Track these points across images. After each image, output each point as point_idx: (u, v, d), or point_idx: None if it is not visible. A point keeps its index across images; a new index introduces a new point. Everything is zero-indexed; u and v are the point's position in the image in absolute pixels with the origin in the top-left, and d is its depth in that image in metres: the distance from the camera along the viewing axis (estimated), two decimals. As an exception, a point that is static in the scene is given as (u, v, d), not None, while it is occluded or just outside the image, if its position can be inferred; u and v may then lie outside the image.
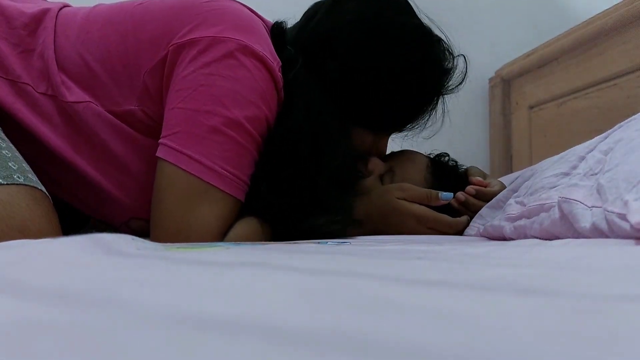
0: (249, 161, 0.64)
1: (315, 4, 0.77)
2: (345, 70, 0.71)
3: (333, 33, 0.72)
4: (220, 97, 0.61)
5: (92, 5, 0.73)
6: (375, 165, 0.83)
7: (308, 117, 0.67)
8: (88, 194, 0.69)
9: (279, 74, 0.66)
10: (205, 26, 0.63)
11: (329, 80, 0.71)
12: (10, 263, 0.27)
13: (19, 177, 0.57)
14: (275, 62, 0.66)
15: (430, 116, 0.78)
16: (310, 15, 0.76)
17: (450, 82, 0.78)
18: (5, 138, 0.62)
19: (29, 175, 0.59)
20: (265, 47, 0.65)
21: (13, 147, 0.61)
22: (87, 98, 0.65)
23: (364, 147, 0.80)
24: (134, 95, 0.65)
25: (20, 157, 0.61)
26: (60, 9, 0.71)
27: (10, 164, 0.58)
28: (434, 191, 0.76)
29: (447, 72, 0.76)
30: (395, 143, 0.89)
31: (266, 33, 0.69)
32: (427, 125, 0.80)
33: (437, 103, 0.78)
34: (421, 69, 0.73)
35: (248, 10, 0.70)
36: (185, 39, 0.63)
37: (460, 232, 0.76)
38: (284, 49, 0.69)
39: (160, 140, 0.63)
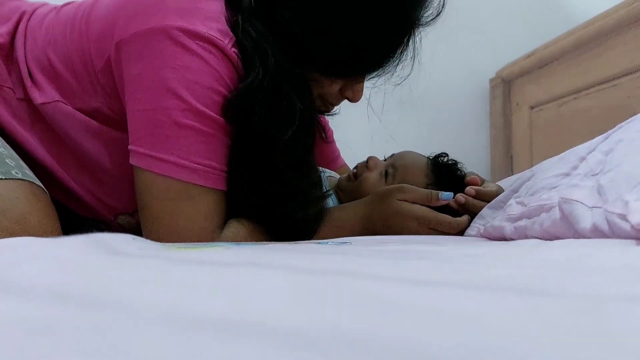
0: (219, 148, 0.62)
1: None
2: (300, 14, 0.65)
3: None
4: (174, 89, 0.59)
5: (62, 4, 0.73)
6: (375, 162, 0.83)
7: (265, 75, 0.63)
8: (69, 197, 0.70)
9: (232, 50, 0.62)
10: (145, 16, 0.61)
11: (285, 28, 0.65)
12: (10, 263, 0.27)
13: (16, 173, 0.58)
14: (226, 38, 0.62)
15: (401, 57, 0.70)
16: None
17: (422, 14, 0.69)
18: (0, 138, 0.63)
19: (26, 172, 0.60)
20: (212, 26, 0.61)
21: (9, 146, 0.62)
22: (57, 97, 0.65)
23: (334, 92, 0.74)
24: (96, 94, 0.65)
25: (17, 156, 0.62)
26: (35, 10, 0.71)
27: (7, 161, 0.59)
28: (434, 191, 0.76)
29: (420, 3, 0.68)
30: (392, 144, 0.89)
31: (211, 7, 0.64)
32: (398, 68, 0.71)
33: (408, 41, 0.70)
34: (385, 4, 0.65)
35: None
36: (126, 35, 0.61)
37: (461, 232, 0.76)
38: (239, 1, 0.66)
39: (129, 147, 0.62)
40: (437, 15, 0.69)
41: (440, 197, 0.75)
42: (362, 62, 0.70)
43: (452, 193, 0.76)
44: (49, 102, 0.65)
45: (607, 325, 0.17)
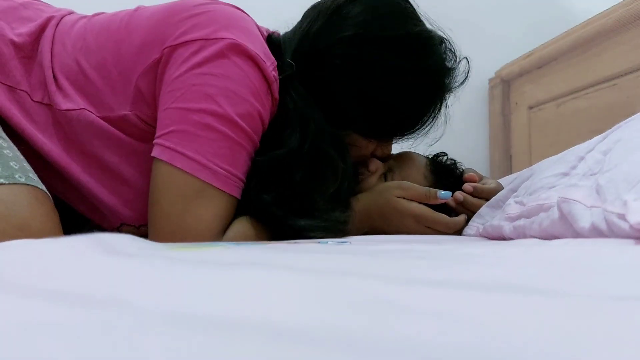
0: (243, 158, 0.64)
1: (314, 8, 0.76)
2: (345, 81, 0.71)
3: (333, 46, 0.71)
4: (212, 95, 0.61)
5: (92, 13, 0.74)
6: (376, 165, 0.83)
7: (306, 137, 0.68)
8: (80, 199, 0.70)
9: (273, 74, 0.66)
10: (197, 28, 0.64)
11: (328, 92, 0.71)
12: (11, 263, 0.27)
13: (20, 177, 0.57)
14: (269, 61, 0.66)
15: (433, 121, 0.78)
16: (310, 20, 0.74)
17: (452, 82, 0.78)
18: (7, 138, 0.62)
19: (30, 175, 0.59)
20: (258, 46, 0.65)
21: (14, 147, 0.62)
22: (82, 104, 0.65)
23: (367, 153, 0.81)
24: (128, 101, 0.65)
25: (22, 157, 0.61)
26: (63, 16, 0.71)
27: (11, 164, 0.58)
28: (432, 189, 0.76)
29: (448, 72, 0.76)
30: (395, 145, 0.89)
31: (259, 33, 0.69)
32: (429, 131, 0.79)
33: (440, 107, 0.78)
34: (422, 73, 0.73)
35: (240, 11, 0.70)
36: (178, 42, 0.63)
37: (458, 231, 0.76)
38: (281, 58, 0.69)
39: (154, 141, 0.63)
40: (464, 80, 0.79)
41: (439, 195, 0.75)
42: (400, 125, 0.77)
43: (450, 192, 0.76)
44: (74, 110, 0.65)
45: (605, 325, 0.17)
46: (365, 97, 0.72)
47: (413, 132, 0.78)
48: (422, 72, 0.73)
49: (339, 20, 0.72)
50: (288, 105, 0.68)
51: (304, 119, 0.68)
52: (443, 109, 0.78)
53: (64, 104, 0.65)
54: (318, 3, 0.76)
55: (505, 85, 1.52)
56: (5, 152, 0.60)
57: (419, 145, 0.82)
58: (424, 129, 0.78)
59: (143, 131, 0.66)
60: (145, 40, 0.65)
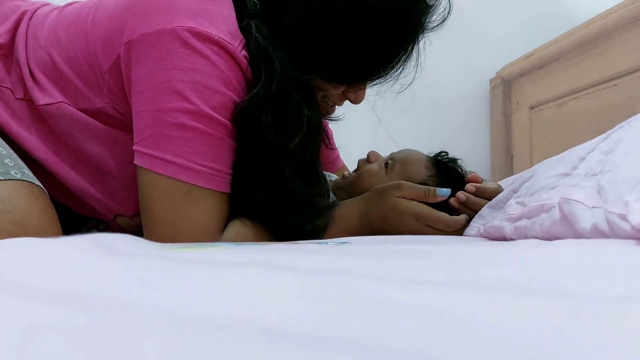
0: (225, 151, 0.63)
1: None
2: (305, 21, 0.65)
3: None
4: (181, 91, 0.59)
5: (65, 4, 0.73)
6: (376, 156, 0.83)
7: (270, 84, 0.63)
8: (69, 197, 0.70)
9: (241, 54, 0.62)
10: (154, 16, 0.60)
11: (291, 34, 0.66)
12: (11, 263, 0.27)
13: (16, 173, 0.58)
14: (236, 41, 0.62)
15: (404, 64, 0.71)
16: None
17: (427, 20, 0.70)
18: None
19: (26, 172, 0.59)
20: (223, 28, 0.61)
21: (7, 146, 0.62)
22: (60, 98, 0.65)
23: (337, 97, 0.75)
24: (102, 94, 0.65)
25: (16, 155, 0.62)
26: (37, 9, 0.71)
27: (6, 161, 0.59)
28: (432, 188, 0.76)
29: (424, 11, 0.68)
30: (391, 144, 0.89)
31: (221, 9, 0.64)
32: (401, 76, 0.72)
33: (412, 47, 0.70)
34: (391, 9, 0.66)
35: None
36: (136, 35, 0.60)
37: (459, 231, 0.76)
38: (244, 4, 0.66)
39: (133, 147, 0.62)
40: (442, 22, 0.70)
41: (438, 193, 0.75)
42: (367, 69, 0.70)
43: (449, 190, 0.76)
44: (52, 103, 0.65)
45: (606, 326, 0.17)
46: (327, 36, 0.66)
47: (382, 76, 0.72)
48: (390, 6, 0.65)
49: None
50: (252, 48, 0.63)
51: (268, 59, 0.64)
52: (415, 51, 0.71)
53: (42, 99, 0.65)
54: None
55: (506, 86, 1.52)
56: None
57: (386, 92, 0.75)
58: (394, 72, 0.71)
59: (122, 122, 0.65)
60: (107, 34, 0.63)
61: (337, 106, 0.78)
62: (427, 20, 0.69)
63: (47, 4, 0.74)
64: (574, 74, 1.24)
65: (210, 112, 0.60)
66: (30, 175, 0.59)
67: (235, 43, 0.62)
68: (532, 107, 1.42)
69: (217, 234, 0.63)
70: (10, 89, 0.65)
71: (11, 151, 0.62)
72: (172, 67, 0.59)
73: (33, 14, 0.70)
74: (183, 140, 0.59)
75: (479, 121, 1.60)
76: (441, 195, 0.75)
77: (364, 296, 0.21)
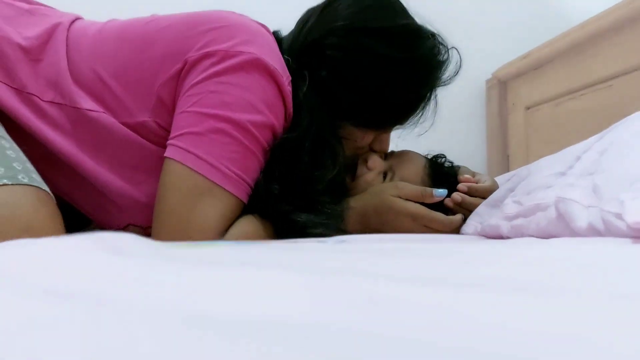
0: (254, 164, 0.66)
1: (308, 10, 0.78)
2: (338, 74, 0.73)
3: (325, 37, 0.73)
4: (228, 103, 0.62)
5: (103, 19, 0.75)
6: (375, 162, 0.83)
7: (310, 127, 0.70)
8: (87, 198, 0.69)
9: (288, 88, 0.68)
10: (218, 41, 0.65)
11: (324, 86, 0.72)
12: (13, 262, 0.27)
13: (23, 178, 0.57)
14: (285, 76, 0.67)
15: (423, 111, 0.80)
16: (303, 21, 0.77)
17: (444, 75, 0.79)
18: (10, 139, 0.62)
19: (33, 176, 0.59)
20: (277, 61, 0.67)
21: (17, 148, 0.62)
22: (101, 109, 0.66)
23: (363, 146, 0.82)
24: (148, 108, 0.66)
25: (24, 158, 0.61)
26: (73, 22, 0.72)
27: (14, 165, 0.58)
28: (428, 188, 0.76)
29: (440, 65, 0.78)
30: (392, 143, 0.90)
31: (277, 48, 0.70)
32: (420, 121, 0.81)
33: (429, 98, 0.80)
34: (412, 64, 0.75)
35: (256, 24, 0.71)
36: (200, 53, 0.64)
37: (455, 230, 0.76)
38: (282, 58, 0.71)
39: (168, 142, 0.64)
40: (455, 74, 0.81)
41: (434, 194, 0.76)
42: (393, 116, 0.79)
43: (446, 190, 0.76)
44: (96, 111, 0.66)
45: (602, 324, 0.17)
46: (357, 86, 0.73)
47: (403, 123, 0.81)
48: (411, 62, 0.74)
49: (329, 13, 0.75)
50: (298, 94, 0.70)
51: (310, 107, 0.70)
52: (433, 101, 0.80)
53: (84, 104, 0.66)
54: (312, 7, 0.79)
55: (502, 86, 1.52)
56: (8, 152, 0.59)
57: (408, 134, 0.84)
58: (414, 118, 0.80)
59: (160, 137, 0.67)
60: (166, 52, 0.66)
61: None
62: (442, 74, 0.79)
63: (80, 18, 0.75)
64: (570, 74, 1.25)
65: (250, 126, 0.63)
66: (37, 180, 0.59)
67: (284, 77, 0.67)
68: (528, 108, 1.42)
69: (221, 234, 0.64)
70: (35, 95, 0.65)
71: (21, 154, 0.61)
72: (224, 82, 0.63)
73: (70, 24, 0.71)
74: (219, 144, 0.62)
75: (475, 122, 1.60)
76: (437, 196, 0.76)
77: (363, 295, 0.21)
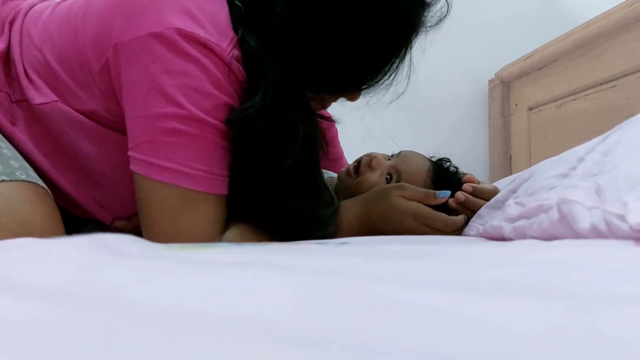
0: (219, 153, 0.62)
1: None
2: (287, 29, 0.62)
3: None
4: (172, 96, 0.58)
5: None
6: (379, 163, 0.83)
7: (267, 88, 0.61)
8: (66, 200, 0.69)
9: (232, 53, 0.60)
10: (142, 16, 0.59)
11: (276, 41, 0.62)
12: (12, 263, 0.27)
13: (21, 174, 0.58)
14: (225, 41, 0.60)
15: (397, 70, 0.66)
16: None
17: (427, 17, 0.64)
18: (4, 139, 0.63)
19: (30, 173, 0.60)
20: (209, 28, 0.59)
21: (13, 148, 0.62)
22: (54, 97, 0.64)
23: (332, 100, 0.73)
24: (95, 96, 0.64)
25: (20, 157, 0.61)
26: (33, 5, 0.70)
27: (11, 162, 0.59)
28: (431, 190, 0.76)
29: (421, 9, 0.63)
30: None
31: (213, 7, 0.62)
32: (394, 83, 0.67)
33: (405, 53, 0.65)
34: (387, 13, 0.60)
35: None
36: (124, 38, 0.59)
37: (458, 231, 0.76)
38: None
39: (128, 152, 0.61)
40: (439, 21, 0.65)
41: (438, 195, 0.76)
42: (359, 78, 0.67)
43: (449, 191, 0.77)
44: (47, 103, 0.64)
45: (604, 326, 0.17)
46: (315, 46, 0.61)
47: (374, 85, 0.68)
48: (386, 6, 0.60)
49: None
50: (247, 50, 0.61)
51: (263, 72, 0.62)
52: (408, 57, 0.66)
53: (37, 98, 0.64)
54: None
55: (505, 87, 1.52)
56: (4, 151, 0.60)
57: (377, 101, 0.71)
58: (387, 79, 0.67)
59: (116, 123, 0.64)
60: (96, 33, 0.61)
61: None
62: (423, 21, 0.64)
63: (44, 0, 0.72)
64: (573, 75, 1.24)
65: (202, 115, 0.59)
66: (35, 177, 0.59)
67: (224, 44, 0.60)
68: (530, 108, 1.42)
69: (216, 237, 0.63)
70: (7, 93, 0.65)
71: (17, 153, 0.62)
72: (161, 71, 0.58)
73: (28, 11, 0.69)
74: (177, 145, 0.59)
75: (477, 122, 1.60)
76: (441, 197, 0.76)
77: (363, 297, 0.21)
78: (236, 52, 0.61)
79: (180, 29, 0.58)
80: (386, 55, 0.65)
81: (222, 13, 0.62)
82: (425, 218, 0.75)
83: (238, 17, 0.62)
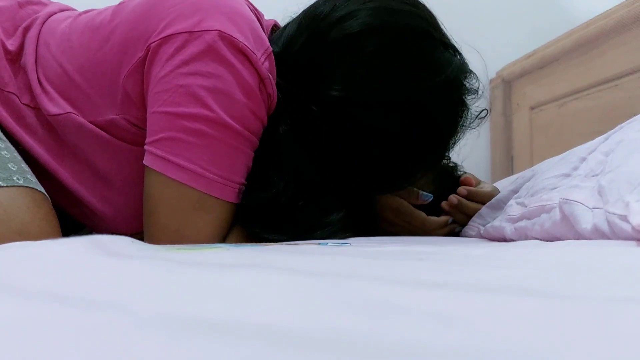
0: (241, 161, 0.61)
1: (312, 8, 0.67)
2: (349, 143, 0.64)
3: (325, 65, 0.63)
4: (202, 97, 0.57)
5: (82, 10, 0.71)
6: None
7: (288, 185, 0.64)
8: (71, 204, 0.68)
9: (265, 64, 0.61)
10: (181, 19, 0.59)
11: (317, 132, 0.64)
12: (10, 265, 0.27)
13: (18, 179, 0.57)
14: (260, 50, 0.60)
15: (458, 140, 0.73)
16: (308, 28, 0.65)
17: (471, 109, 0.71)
18: (5, 139, 0.62)
19: (29, 177, 0.59)
20: (247, 32, 0.59)
21: (12, 148, 0.61)
22: (69, 108, 0.63)
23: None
24: (115, 104, 0.62)
25: (19, 158, 0.61)
26: (52, 14, 0.69)
27: (9, 165, 0.58)
28: (415, 190, 0.76)
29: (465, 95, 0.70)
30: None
31: (249, 13, 0.62)
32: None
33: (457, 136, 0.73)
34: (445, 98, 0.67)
35: None
36: (162, 36, 0.58)
37: (440, 233, 0.76)
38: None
39: (145, 147, 0.60)
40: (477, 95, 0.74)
41: (420, 196, 0.75)
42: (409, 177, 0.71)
43: (431, 195, 0.77)
44: (61, 114, 0.63)
45: (607, 327, 0.17)
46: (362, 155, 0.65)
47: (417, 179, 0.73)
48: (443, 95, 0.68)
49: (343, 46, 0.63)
50: (279, 134, 0.63)
51: (295, 167, 0.64)
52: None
53: (51, 109, 0.63)
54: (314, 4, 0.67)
55: (506, 86, 1.51)
56: (2, 153, 0.59)
57: None
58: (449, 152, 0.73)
59: (134, 134, 0.63)
60: (128, 37, 0.61)
61: None
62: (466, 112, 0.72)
63: (64, 10, 0.72)
64: (575, 74, 1.24)
65: (230, 121, 0.58)
66: (33, 181, 0.58)
67: (259, 53, 0.60)
68: (532, 108, 1.41)
69: (221, 239, 0.63)
70: (15, 94, 0.64)
71: (15, 154, 0.61)
72: (193, 72, 0.57)
73: (46, 19, 0.68)
74: (199, 148, 0.58)
75: (478, 122, 1.60)
76: (423, 199, 0.76)
77: (363, 298, 0.21)
78: (267, 64, 0.61)
79: (219, 31, 0.57)
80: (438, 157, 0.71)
81: (255, 24, 0.62)
82: (404, 214, 0.75)
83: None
